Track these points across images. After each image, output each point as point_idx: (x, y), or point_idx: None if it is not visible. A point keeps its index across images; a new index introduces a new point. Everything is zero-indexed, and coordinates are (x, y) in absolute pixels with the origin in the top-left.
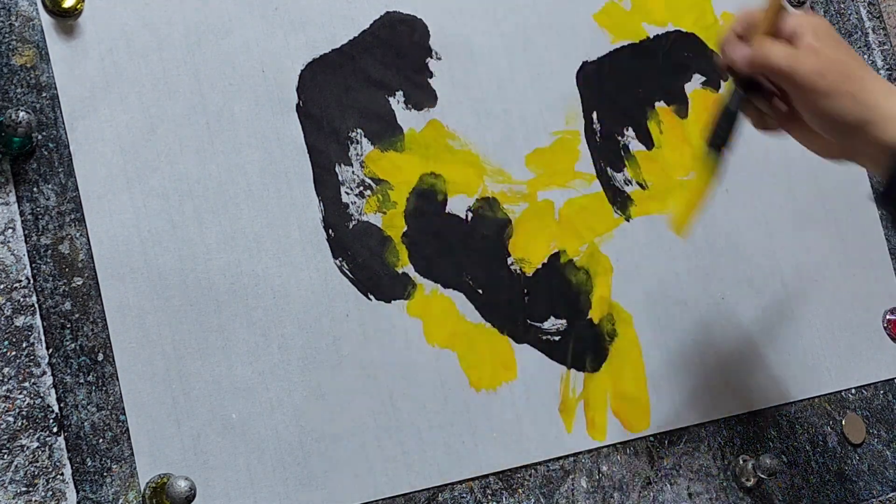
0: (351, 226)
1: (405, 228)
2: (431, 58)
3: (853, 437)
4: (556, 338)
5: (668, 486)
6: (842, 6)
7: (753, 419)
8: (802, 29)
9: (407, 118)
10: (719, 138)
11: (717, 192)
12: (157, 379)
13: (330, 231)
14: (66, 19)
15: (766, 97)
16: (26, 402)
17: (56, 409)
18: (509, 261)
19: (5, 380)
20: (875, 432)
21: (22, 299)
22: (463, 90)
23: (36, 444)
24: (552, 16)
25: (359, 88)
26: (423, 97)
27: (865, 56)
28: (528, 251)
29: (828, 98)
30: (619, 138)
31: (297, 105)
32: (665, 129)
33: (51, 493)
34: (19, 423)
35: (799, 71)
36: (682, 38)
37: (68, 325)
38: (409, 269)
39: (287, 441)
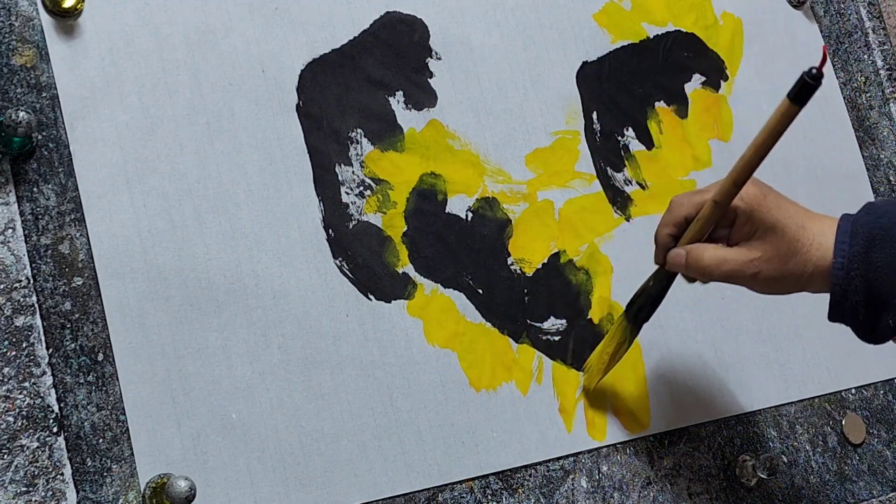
0: (351, 226)
1: (405, 228)
2: (431, 58)
3: (853, 437)
4: (556, 338)
5: (668, 486)
6: (842, 6)
7: (753, 419)
8: (735, 217)
9: (407, 118)
10: (640, 317)
11: None
12: (157, 379)
13: (330, 231)
14: (66, 19)
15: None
16: (26, 402)
17: (56, 409)
18: (509, 261)
19: (5, 380)
20: (875, 432)
21: (22, 299)
22: (463, 90)
23: (36, 444)
24: (552, 16)
25: (359, 88)
26: (423, 97)
27: (865, 56)
28: (528, 251)
29: (770, 286)
30: (619, 138)
31: (297, 105)
32: (665, 129)
33: (51, 493)
34: (19, 423)
35: (737, 277)
36: (682, 38)
37: (68, 325)
38: (409, 269)
39: (287, 441)
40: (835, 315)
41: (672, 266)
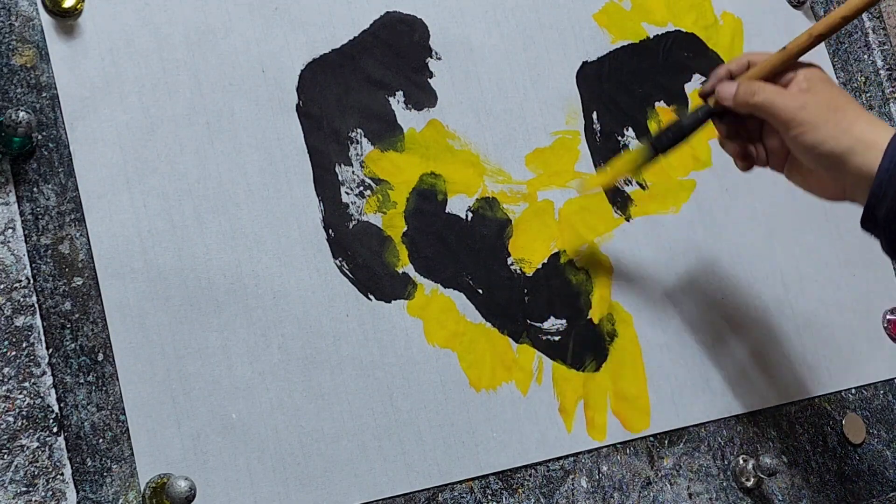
0: (351, 226)
1: (405, 228)
2: (431, 58)
3: (853, 437)
4: (556, 338)
5: (668, 486)
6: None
7: (753, 419)
8: (794, 76)
9: (407, 118)
10: (661, 145)
11: (717, 192)
12: (157, 379)
13: (330, 231)
14: (66, 19)
15: (744, 135)
16: (26, 402)
17: (56, 409)
18: (509, 261)
19: (5, 380)
20: (875, 432)
21: (22, 299)
22: (463, 90)
23: (36, 444)
24: (552, 16)
25: (359, 88)
26: (423, 97)
27: (865, 56)
28: (528, 251)
29: (811, 129)
30: (619, 138)
31: (297, 105)
32: None
33: (51, 493)
34: (19, 423)
35: (781, 106)
36: (682, 38)
37: (68, 325)
38: (409, 269)
39: (287, 441)
40: (868, 218)
41: (721, 96)
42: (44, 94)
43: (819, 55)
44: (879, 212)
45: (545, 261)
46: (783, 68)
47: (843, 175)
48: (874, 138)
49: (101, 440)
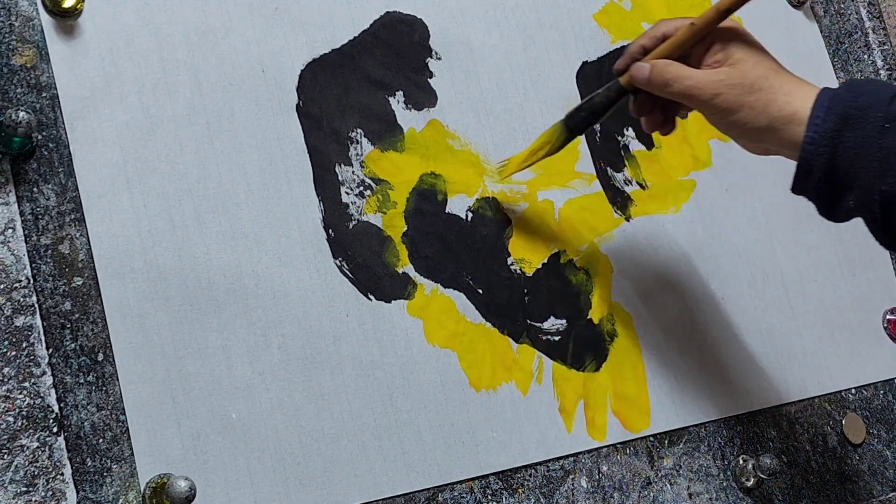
0: (351, 226)
1: (405, 228)
2: (431, 58)
3: (853, 437)
4: (556, 338)
5: (668, 486)
6: (842, 6)
7: (753, 419)
8: (709, 50)
9: (407, 118)
10: (574, 125)
11: (717, 192)
12: (157, 379)
13: (330, 231)
14: (66, 19)
15: (660, 104)
16: (26, 402)
17: (56, 409)
18: (509, 261)
19: (5, 380)
20: (875, 432)
21: (22, 299)
22: (463, 90)
23: (36, 444)
24: (552, 16)
25: (359, 88)
26: (423, 97)
27: (865, 56)
28: (528, 251)
29: (727, 114)
30: (619, 138)
31: (297, 105)
32: None
33: (51, 493)
34: (19, 423)
35: (695, 94)
36: None
37: (68, 325)
38: (409, 269)
39: (287, 441)
40: (798, 187)
41: (634, 78)
42: (44, 94)
43: (819, 55)
44: (809, 183)
45: (545, 261)
46: (696, 41)
47: (770, 144)
48: (792, 111)
49: (101, 440)
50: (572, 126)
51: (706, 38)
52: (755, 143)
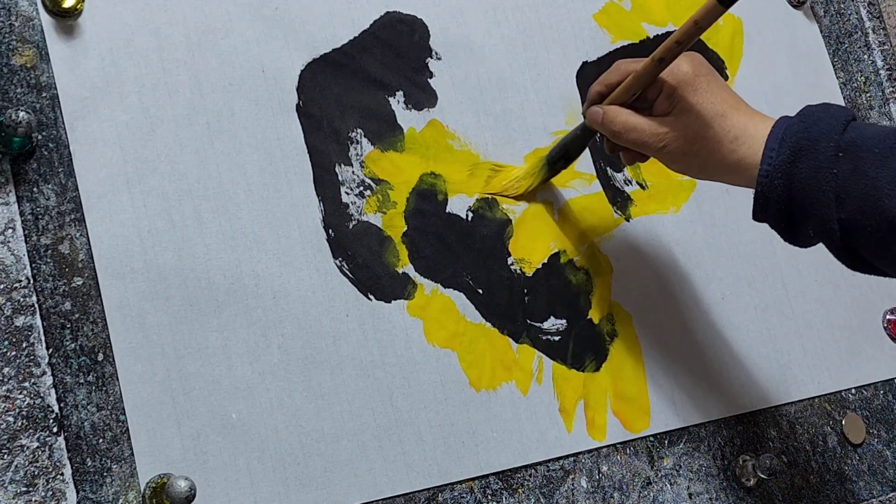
0: (351, 226)
1: (405, 228)
2: (431, 58)
3: (853, 437)
4: (556, 338)
5: (668, 486)
6: (842, 6)
7: (753, 419)
8: (660, 94)
9: (407, 118)
10: (553, 162)
11: (717, 192)
12: (157, 379)
13: (330, 231)
14: (66, 19)
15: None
16: (26, 402)
17: (56, 409)
18: (509, 261)
19: (5, 380)
20: (875, 432)
21: (22, 299)
22: (463, 90)
23: (36, 444)
24: (552, 16)
25: (359, 88)
26: (423, 97)
27: (865, 56)
28: (528, 251)
29: (674, 162)
30: None
31: (297, 105)
32: None
33: (51, 493)
34: (19, 423)
35: (642, 143)
36: None
37: (68, 325)
38: (409, 269)
39: (287, 441)
40: (758, 216)
41: (589, 121)
42: (44, 94)
43: (819, 55)
44: (768, 214)
45: (545, 261)
46: (648, 83)
47: (716, 179)
48: (736, 160)
49: (101, 440)
50: (551, 164)
51: (657, 82)
52: (705, 179)
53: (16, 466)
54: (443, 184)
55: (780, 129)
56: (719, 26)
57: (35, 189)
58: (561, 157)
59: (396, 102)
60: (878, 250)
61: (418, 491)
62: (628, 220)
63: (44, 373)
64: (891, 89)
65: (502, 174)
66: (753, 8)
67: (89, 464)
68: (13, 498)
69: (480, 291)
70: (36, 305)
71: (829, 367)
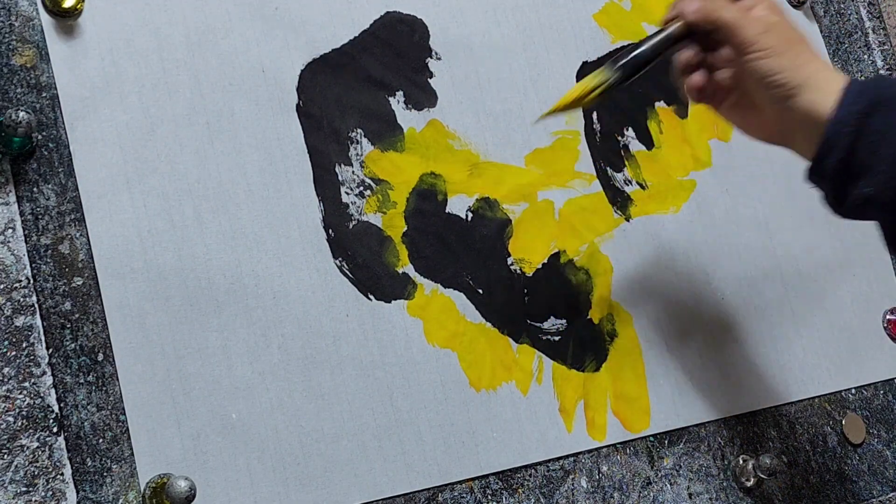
0: (351, 226)
1: (405, 228)
2: (431, 58)
3: (853, 437)
4: (556, 338)
5: (668, 486)
6: (842, 6)
7: (753, 419)
8: (758, 2)
9: (407, 118)
10: (623, 74)
11: (717, 192)
12: (157, 379)
13: (330, 231)
14: (66, 19)
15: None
16: (26, 402)
17: (56, 409)
18: (509, 261)
19: (5, 380)
20: (875, 432)
21: (22, 299)
22: (463, 90)
23: (36, 444)
24: (552, 16)
25: (359, 88)
26: (423, 97)
27: (865, 56)
28: (528, 251)
29: (771, 55)
30: (619, 138)
31: (297, 105)
32: (665, 129)
33: (51, 493)
34: (19, 423)
35: (745, 27)
36: None
37: (68, 325)
38: (409, 269)
39: (287, 441)
40: (814, 170)
41: (683, 12)
42: (44, 94)
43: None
44: (827, 164)
45: (545, 261)
46: None
47: (791, 111)
48: (828, 79)
49: (101, 440)
50: (626, 70)
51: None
52: (779, 103)
53: (16, 466)
54: (443, 184)
55: (856, 84)
56: None
57: (35, 189)
58: (634, 67)
59: (396, 102)
60: None
61: (418, 491)
62: (628, 220)
63: (44, 373)
64: None
65: (559, 100)
66: None
67: (89, 464)
68: (13, 498)
69: (480, 291)
70: (36, 305)
71: (829, 367)
